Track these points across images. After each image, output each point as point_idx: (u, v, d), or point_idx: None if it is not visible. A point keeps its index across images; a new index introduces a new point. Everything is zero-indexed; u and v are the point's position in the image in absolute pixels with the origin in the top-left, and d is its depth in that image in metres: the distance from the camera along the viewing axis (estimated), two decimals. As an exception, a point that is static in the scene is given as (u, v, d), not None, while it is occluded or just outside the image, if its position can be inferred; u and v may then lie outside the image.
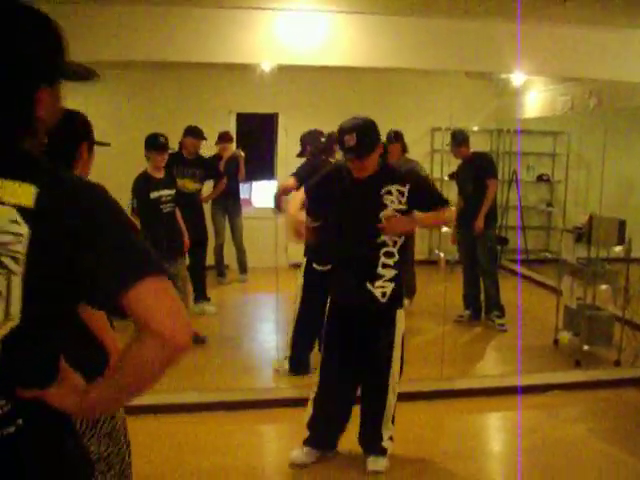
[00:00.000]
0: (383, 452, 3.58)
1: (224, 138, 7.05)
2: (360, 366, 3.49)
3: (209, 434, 4.03)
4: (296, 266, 6.60)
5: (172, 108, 7.37)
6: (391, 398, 3.49)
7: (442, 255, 7.54)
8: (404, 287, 3.64)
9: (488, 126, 8.00)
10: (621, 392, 4.78)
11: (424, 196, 3.42)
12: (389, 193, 3.29)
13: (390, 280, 3.34)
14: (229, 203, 7.13)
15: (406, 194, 3.30)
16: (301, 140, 5.21)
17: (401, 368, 3.52)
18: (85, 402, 1.32)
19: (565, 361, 5.21)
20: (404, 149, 6.44)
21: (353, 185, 3.37)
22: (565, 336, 5.36)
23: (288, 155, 7.95)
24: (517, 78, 6.72)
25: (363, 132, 3.23)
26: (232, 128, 7.59)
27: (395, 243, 3.32)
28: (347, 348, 3.45)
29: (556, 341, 5.47)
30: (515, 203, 7.95)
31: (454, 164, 6.38)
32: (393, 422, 3.59)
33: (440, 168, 7.56)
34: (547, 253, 7.92)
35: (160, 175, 5.19)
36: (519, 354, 5.38)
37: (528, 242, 7.93)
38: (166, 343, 1.22)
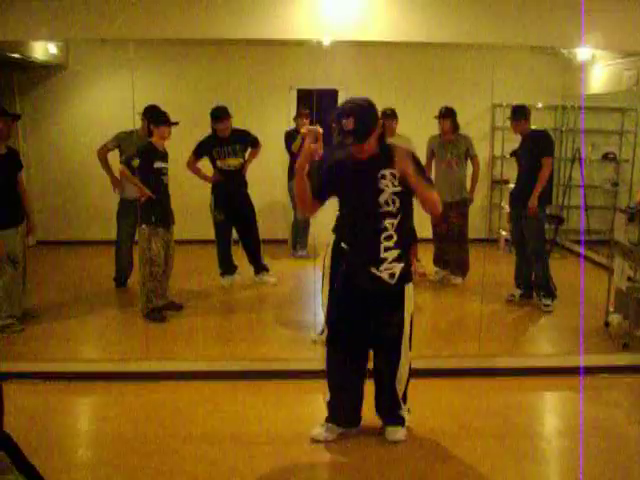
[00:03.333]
0: (401, 422, 3.67)
1: (300, 114, 7.17)
2: (369, 342, 3.55)
3: (239, 402, 4.18)
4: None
5: (232, 84, 7.52)
6: (403, 372, 3.56)
7: (503, 234, 7.46)
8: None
9: (553, 102, 7.80)
10: (668, 379, 4.66)
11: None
12: (384, 177, 3.29)
13: (395, 260, 3.37)
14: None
15: (397, 176, 3.28)
16: None
17: (410, 343, 3.57)
18: None
19: (614, 344, 5.09)
20: (455, 126, 6.39)
21: (353, 167, 3.37)
22: (615, 318, 5.24)
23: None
24: (582, 52, 6.53)
25: (361, 115, 3.19)
26: (293, 104, 7.69)
27: (392, 225, 3.33)
28: (355, 325, 3.49)
29: (607, 323, 5.36)
30: (577, 182, 7.73)
31: (515, 141, 6.26)
32: (406, 397, 3.68)
33: (501, 145, 7.46)
34: (611, 234, 7.68)
35: (161, 148, 5.52)
36: (566, 336, 5.33)
37: (592, 222, 7.71)
38: None
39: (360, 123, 3.18)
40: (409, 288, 3.48)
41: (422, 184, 3.27)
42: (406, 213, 3.40)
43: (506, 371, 4.66)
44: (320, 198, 3.52)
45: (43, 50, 6.44)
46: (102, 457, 3.57)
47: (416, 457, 3.55)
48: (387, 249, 3.35)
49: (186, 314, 5.71)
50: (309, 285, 6.19)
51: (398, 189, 3.30)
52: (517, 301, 6.07)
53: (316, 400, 4.21)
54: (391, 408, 3.67)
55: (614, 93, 7.20)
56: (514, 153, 6.28)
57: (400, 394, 3.62)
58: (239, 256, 6.57)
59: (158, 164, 5.44)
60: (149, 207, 5.38)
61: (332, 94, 7.52)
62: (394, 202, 3.31)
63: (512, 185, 6.65)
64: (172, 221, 5.64)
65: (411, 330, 3.56)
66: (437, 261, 6.79)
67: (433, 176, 6.59)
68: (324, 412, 3.76)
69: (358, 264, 3.45)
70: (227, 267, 6.52)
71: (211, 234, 6.42)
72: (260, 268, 6.59)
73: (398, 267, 3.38)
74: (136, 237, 5.78)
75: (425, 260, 6.81)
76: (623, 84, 6.69)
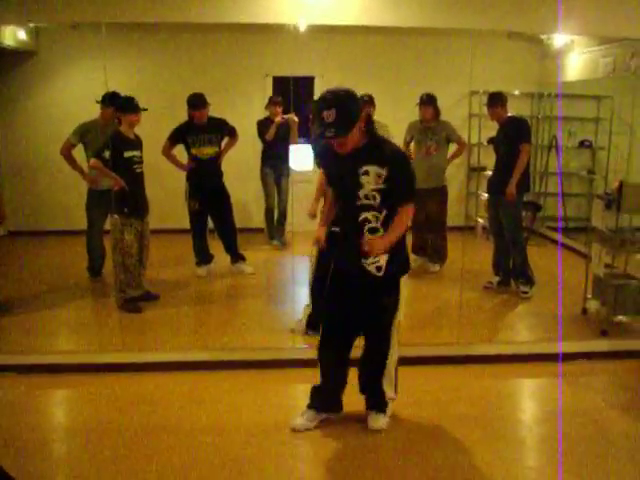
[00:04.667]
0: (383, 409, 3.67)
1: (273, 102, 7.08)
2: (359, 325, 3.54)
3: (217, 392, 4.14)
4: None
5: (206, 72, 7.43)
6: (391, 354, 3.55)
7: (480, 221, 7.46)
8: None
9: (529, 90, 7.81)
10: (647, 364, 4.69)
11: (397, 184, 3.25)
12: (366, 174, 3.19)
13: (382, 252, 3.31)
14: (278, 166, 7.23)
15: (384, 175, 3.19)
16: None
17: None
18: None
19: (592, 330, 5.10)
20: (437, 112, 6.38)
21: (336, 158, 3.28)
22: (592, 305, 5.26)
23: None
24: (559, 39, 6.53)
25: (343, 107, 3.06)
26: (268, 91, 7.61)
27: (377, 218, 3.28)
28: (346, 310, 3.48)
29: (584, 310, 5.37)
30: (554, 169, 7.76)
31: (491, 128, 6.26)
32: (396, 383, 3.68)
33: (478, 132, 7.46)
34: (588, 221, 7.72)
35: (132, 136, 5.38)
36: (544, 322, 5.35)
37: (569, 209, 7.75)
38: None
39: (342, 115, 3.05)
40: (402, 280, 3.47)
41: (395, 235, 3.30)
42: (393, 208, 3.29)
43: (485, 358, 4.66)
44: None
45: (12, 36, 6.30)
46: (78, 450, 3.51)
47: (397, 444, 3.53)
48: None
49: (162, 304, 5.62)
50: (286, 274, 6.15)
51: (381, 187, 3.21)
52: (495, 288, 6.07)
53: (295, 389, 4.19)
54: (375, 395, 3.67)
55: (590, 81, 7.21)
56: (491, 140, 6.27)
57: (387, 381, 3.61)
58: (215, 245, 6.50)
59: (129, 153, 5.28)
60: (121, 197, 5.23)
61: (309, 81, 7.47)
62: (374, 197, 3.23)
63: (489, 172, 6.65)
64: (146, 211, 5.52)
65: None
66: (415, 249, 6.76)
67: (412, 162, 6.57)
68: (304, 401, 3.73)
69: (346, 249, 3.40)
70: (203, 256, 6.45)
71: (187, 223, 6.34)
72: (236, 257, 6.53)
73: (383, 258, 3.30)
74: (107, 226, 5.66)
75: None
76: (599, 72, 6.70)
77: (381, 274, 3.32)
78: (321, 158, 3.53)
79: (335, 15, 4.52)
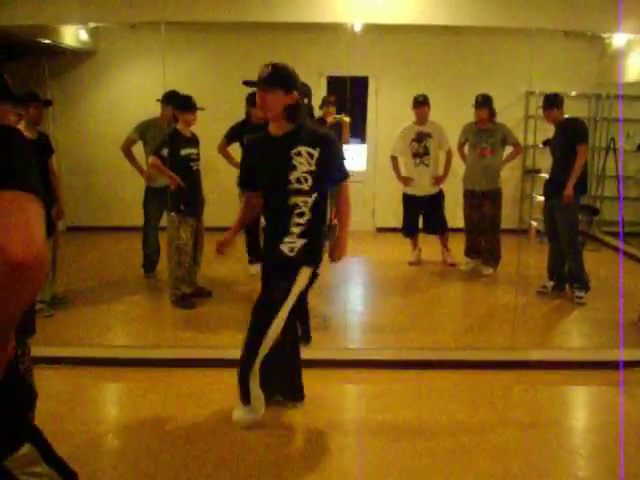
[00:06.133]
0: (243, 402, 3.61)
1: (327, 102, 7.10)
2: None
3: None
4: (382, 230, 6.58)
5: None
6: (265, 342, 3.44)
7: (534, 224, 7.34)
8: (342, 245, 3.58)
9: (587, 91, 7.65)
10: None
11: (329, 164, 3.39)
12: (299, 154, 3.32)
13: (300, 236, 3.38)
14: None
15: (316, 156, 3.32)
16: None
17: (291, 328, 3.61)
18: None
19: (649, 338, 4.99)
20: (492, 114, 6.31)
21: (267, 143, 3.44)
22: (650, 312, 5.14)
23: (378, 118, 7.96)
24: (619, 39, 6.38)
25: (281, 69, 3.29)
26: (323, 91, 7.62)
27: (306, 203, 3.36)
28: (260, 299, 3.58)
29: (641, 317, 5.25)
30: (611, 173, 7.58)
31: (548, 130, 6.15)
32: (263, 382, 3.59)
33: (534, 134, 7.34)
34: (647, 226, 7.55)
35: (188, 134, 5.43)
36: (599, 328, 5.23)
37: (626, 214, 7.57)
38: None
39: (276, 74, 3.26)
40: (306, 270, 3.42)
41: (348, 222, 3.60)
42: (323, 193, 3.41)
43: (540, 364, 4.58)
44: (248, 189, 3.66)
45: (73, 36, 6.44)
46: (130, 443, 3.56)
47: (447, 447, 3.48)
48: (297, 225, 3.38)
49: (215, 301, 5.70)
50: (338, 273, 6.14)
51: (312, 168, 3.33)
52: (549, 293, 5.96)
53: (339, 389, 4.18)
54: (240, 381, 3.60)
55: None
56: (547, 142, 6.16)
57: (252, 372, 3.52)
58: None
59: (185, 151, 5.35)
60: (178, 195, 5.32)
61: (363, 81, 7.46)
62: (306, 180, 3.33)
63: (544, 175, 6.55)
64: (202, 210, 5.57)
65: (292, 312, 3.46)
66: (469, 251, 6.71)
67: (466, 164, 6.52)
68: (343, 399, 3.72)
69: (270, 238, 3.51)
70: (255, 254, 6.48)
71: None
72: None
73: (300, 242, 3.39)
74: (163, 223, 5.75)
75: (456, 250, 6.75)
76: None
77: (292, 255, 3.39)
78: (251, 150, 3.63)
79: (390, 14, 4.53)
